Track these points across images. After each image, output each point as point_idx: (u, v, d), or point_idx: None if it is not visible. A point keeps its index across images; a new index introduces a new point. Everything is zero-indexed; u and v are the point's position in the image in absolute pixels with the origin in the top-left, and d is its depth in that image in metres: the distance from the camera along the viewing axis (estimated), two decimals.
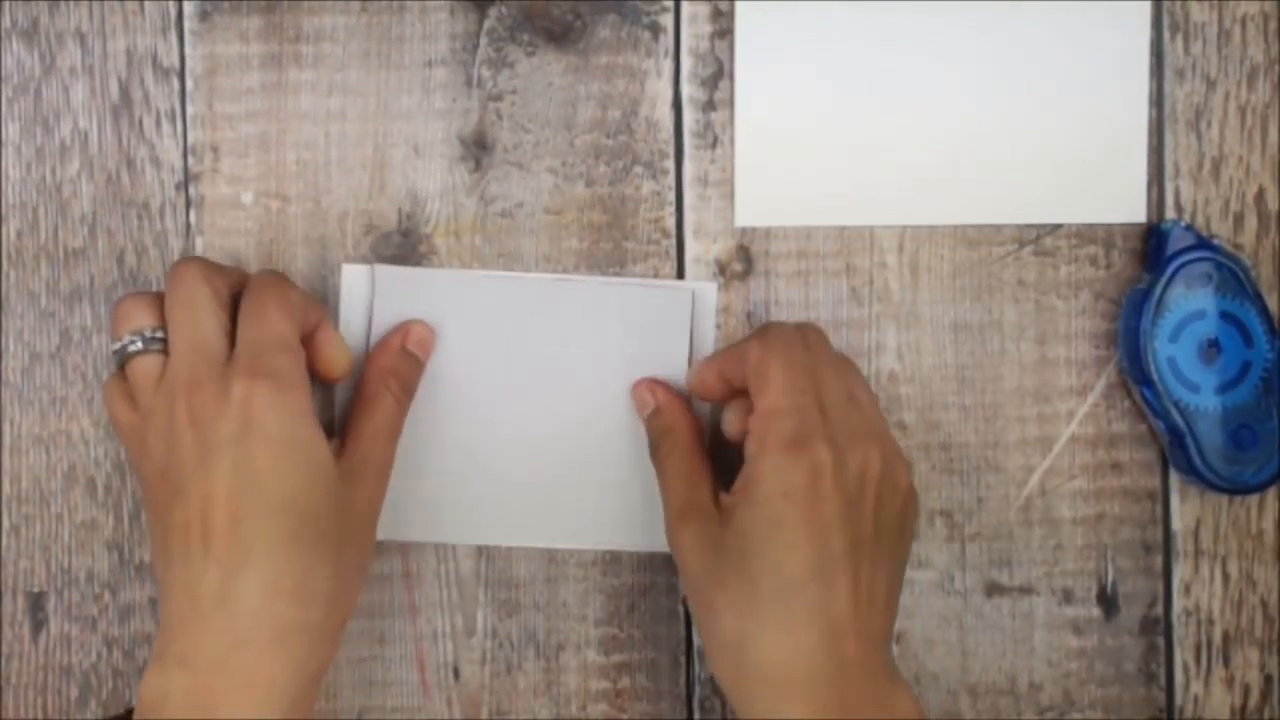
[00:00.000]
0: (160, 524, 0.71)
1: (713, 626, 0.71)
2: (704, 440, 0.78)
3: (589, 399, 0.80)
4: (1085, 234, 0.81)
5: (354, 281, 0.80)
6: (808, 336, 0.74)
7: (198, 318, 0.72)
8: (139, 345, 0.72)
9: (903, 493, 0.72)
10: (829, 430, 0.71)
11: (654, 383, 0.79)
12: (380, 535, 0.78)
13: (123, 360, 0.73)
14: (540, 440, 0.80)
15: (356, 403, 0.77)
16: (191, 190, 0.80)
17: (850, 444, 0.71)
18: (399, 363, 0.78)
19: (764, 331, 0.74)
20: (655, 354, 0.80)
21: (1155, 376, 0.78)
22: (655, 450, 0.78)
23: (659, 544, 0.78)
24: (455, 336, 0.79)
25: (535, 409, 0.80)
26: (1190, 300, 0.78)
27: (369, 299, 0.79)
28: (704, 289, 0.80)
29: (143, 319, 0.73)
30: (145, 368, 0.72)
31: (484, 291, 0.80)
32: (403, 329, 0.78)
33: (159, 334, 0.73)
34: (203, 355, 0.71)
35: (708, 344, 0.80)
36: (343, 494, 0.72)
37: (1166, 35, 0.80)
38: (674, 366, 0.80)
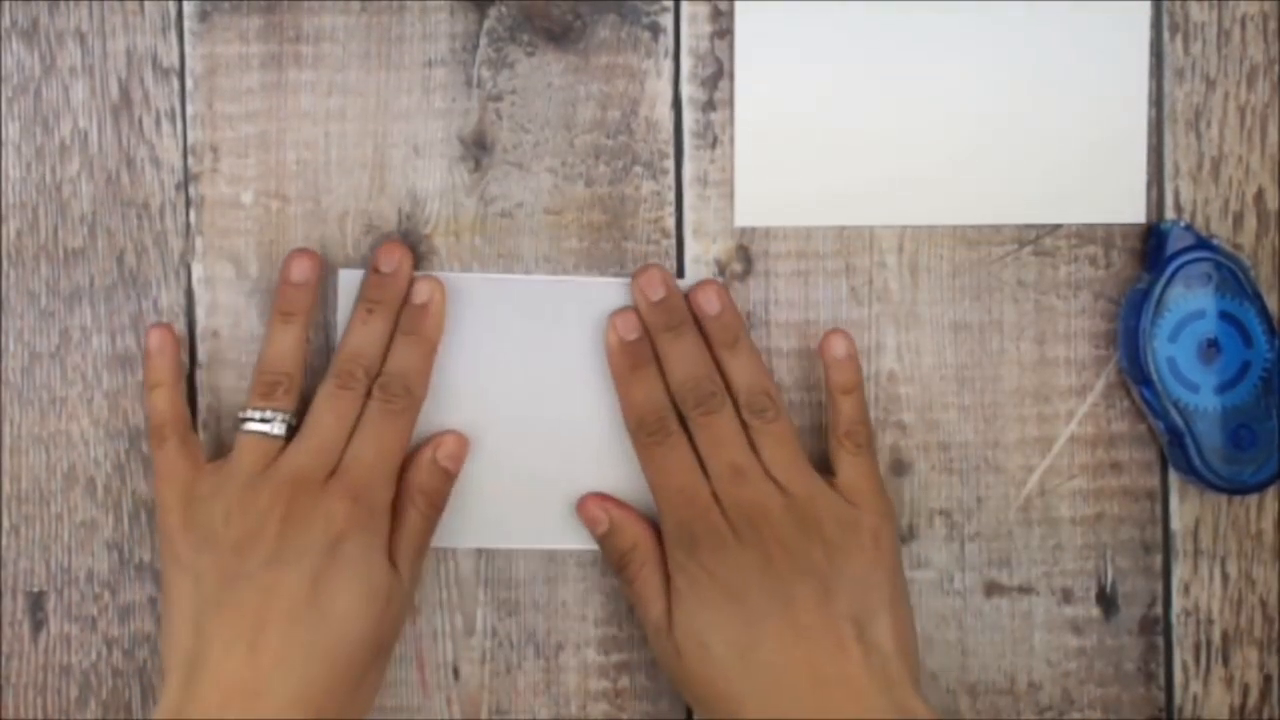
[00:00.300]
0: (200, 594, 0.73)
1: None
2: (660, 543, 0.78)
3: (587, 399, 0.80)
4: (1085, 234, 0.81)
5: (350, 286, 0.79)
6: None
7: (335, 425, 0.75)
8: (275, 430, 0.76)
9: None
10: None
11: (602, 499, 0.79)
12: None
13: (241, 429, 0.76)
14: (540, 441, 0.80)
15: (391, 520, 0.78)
16: (191, 190, 0.80)
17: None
18: (428, 479, 0.78)
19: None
20: None
21: (1155, 376, 0.78)
22: (622, 569, 0.78)
23: None
24: (453, 339, 0.79)
25: (534, 411, 0.80)
26: (1190, 300, 0.78)
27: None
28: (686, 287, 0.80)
29: (285, 400, 0.76)
30: (265, 449, 0.76)
31: (481, 294, 0.80)
32: (435, 441, 0.79)
33: (293, 423, 0.76)
34: (320, 461, 0.75)
35: None
36: (388, 610, 0.75)
37: (1166, 35, 0.80)
38: None
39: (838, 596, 0.73)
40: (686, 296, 0.78)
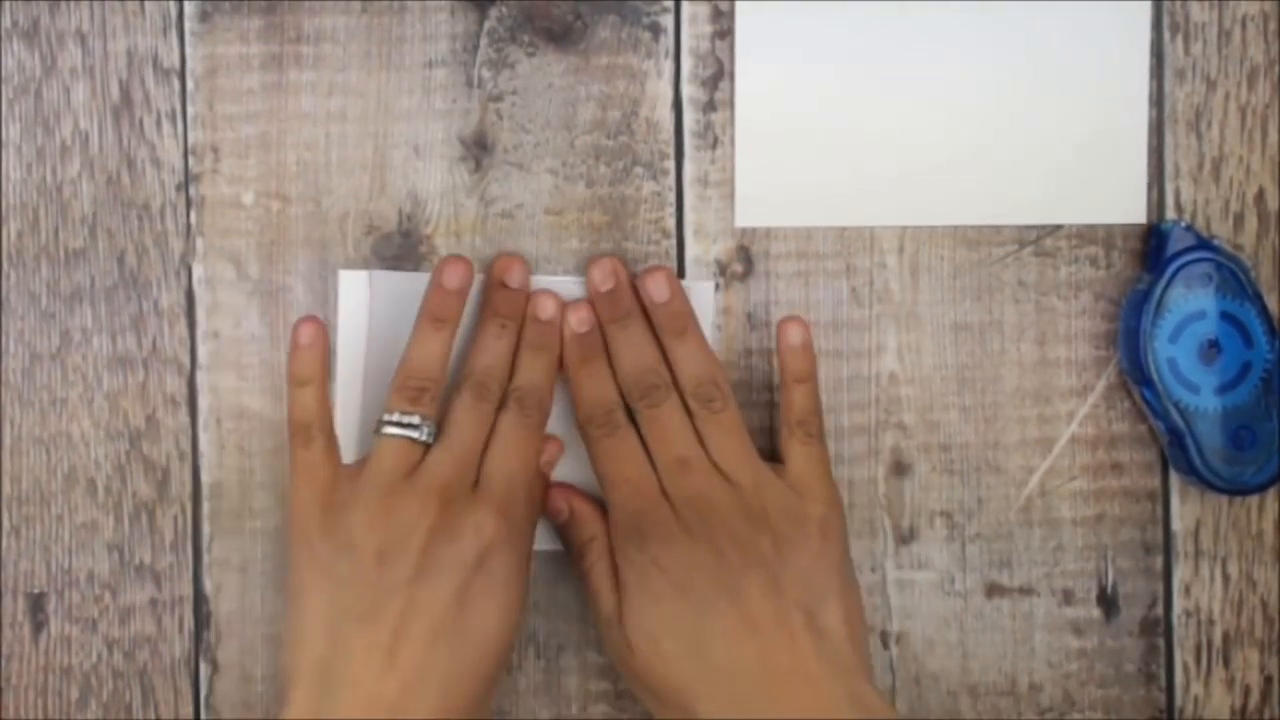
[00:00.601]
0: (337, 602, 0.73)
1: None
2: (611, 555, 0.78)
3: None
4: (1085, 234, 0.81)
5: (351, 287, 0.79)
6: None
7: (475, 436, 0.75)
8: (422, 436, 0.75)
9: None
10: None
11: (566, 489, 0.79)
12: None
13: (382, 431, 0.75)
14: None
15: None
16: (192, 191, 0.80)
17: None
18: (537, 488, 0.79)
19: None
20: None
21: (1155, 377, 0.78)
22: (580, 559, 0.78)
23: None
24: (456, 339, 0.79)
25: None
26: (1190, 301, 0.78)
27: (367, 305, 0.79)
28: (702, 288, 0.80)
29: (430, 406, 0.76)
30: (408, 455, 0.75)
31: (481, 294, 0.79)
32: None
33: (435, 430, 0.76)
34: (465, 472, 0.75)
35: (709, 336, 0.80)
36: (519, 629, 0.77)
37: (1166, 35, 0.80)
38: None
39: (786, 587, 0.73)
40: (634, 285, 0.78)
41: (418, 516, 0.73)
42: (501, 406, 0.76)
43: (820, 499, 0.76)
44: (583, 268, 0.80)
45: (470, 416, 0.75)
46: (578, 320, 0.77)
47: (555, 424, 0.79)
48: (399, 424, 0.75)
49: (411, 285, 0.79)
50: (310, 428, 0.75)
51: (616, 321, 0.77)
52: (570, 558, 0.79)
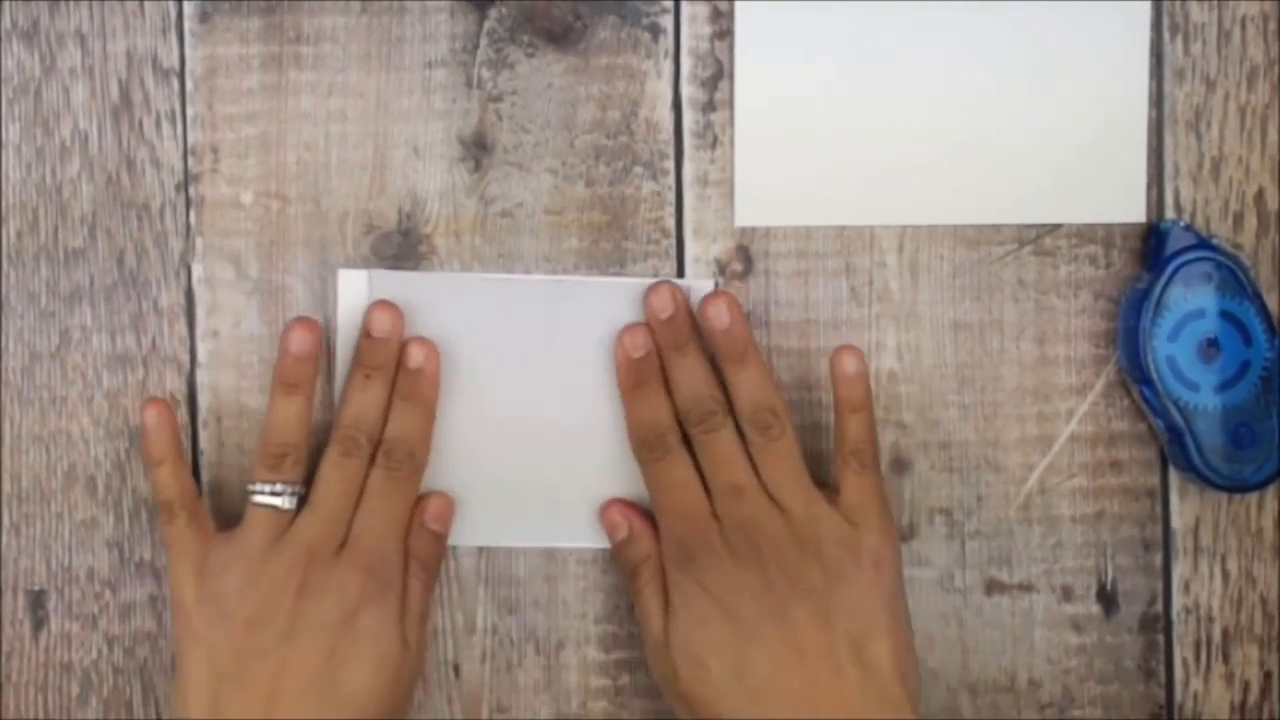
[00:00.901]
0: (215, 669, 0.74)
1: None
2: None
3: (587, 399, 0.80)
4: (1085, 233, 0.80)
5: (350, 286, 0.79)
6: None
7: (343, 494, 0.76)
8: (285, 504, 0.76)
9: None
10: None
11: (626, 506, 0.79)
12: None
13: (250, 501, 0.76)
14: (540, 441, 0.80)
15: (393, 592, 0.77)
16: (191, 191, 0.79)
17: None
18: (420, 545, 0.78)
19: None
20: None
21: (1155, 375, 0.78)
22: (633, 578, 0.78)
23: None
24: (453, 339, 0.79)
25: (534, 411, 0.80)
26: (1190, 299, 0.78)
27: (366, 304, 0.79)
28: (701, 286, 0.80)
29: (292, 471, 0.76)
30: (276, 522, 0.76)
31: (481, 294, 0.79)
32: (419, 506, 0.78)
33: (303, 493, 0.76)
34: (331, 531, 0.76)
35: None
36: (399, 683, 0.76)
37: (1166, 36, 0.80)
38: None
39: (836, 618, 0.73)
40: (698, 309, 0.78)
41: (284, 580, 0.74)
42: (373, 460, 0.77)
43: (874, 530, 0.75)
44: (583, 267, 0.80)
45: (337, 474, 0.76)
46: (633, 345, 0.77)
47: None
48: (264, 493, 0.76)
49: (410, 284, 0.79)
50: (172, 505, 0.76)
51: (676, 349, 0.77)
52: (625, 576, 0.79)
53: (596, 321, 0.79)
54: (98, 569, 0.80)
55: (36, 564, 0.80)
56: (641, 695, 0.81)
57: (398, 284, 0.79)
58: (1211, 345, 0.79)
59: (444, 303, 0.79)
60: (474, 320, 0.79)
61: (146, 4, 0.79)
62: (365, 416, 0.76)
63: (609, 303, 0.79)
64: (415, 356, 0.77)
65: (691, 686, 0.74)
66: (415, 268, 0.79)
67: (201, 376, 0.80)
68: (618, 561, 0.79)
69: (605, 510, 0.79)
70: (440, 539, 0.79)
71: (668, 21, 0.80)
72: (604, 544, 0.80)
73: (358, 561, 0.75)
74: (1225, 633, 0.82)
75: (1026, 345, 0.81)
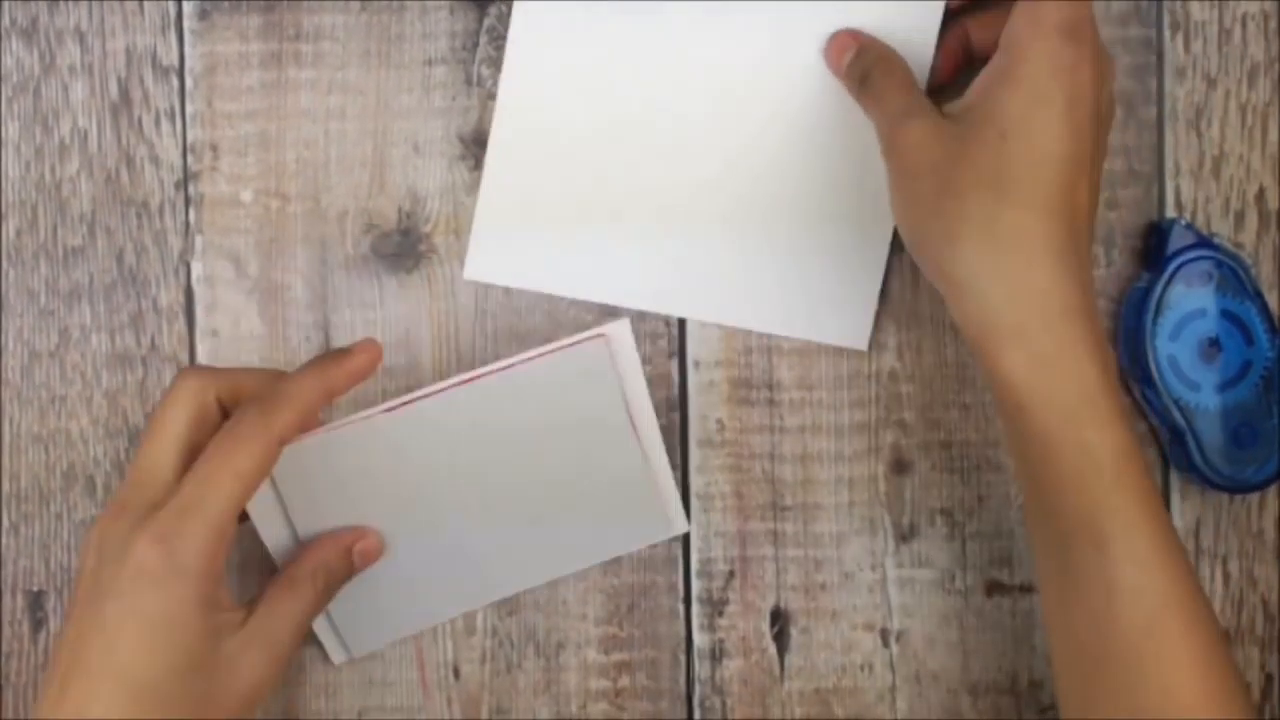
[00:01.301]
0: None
1: (942, 244, 0.70)
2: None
3: (540, 481, 0.77)
4: None
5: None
6: None
7: (158, 445, 0.70)
8: None
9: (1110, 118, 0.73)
10: (1094, 34, 0.70)
11: (848, 32, 0.78)
12: (369, 648, 0.80)
13: None
14: (496, 532, 0.78)
15: (282, 580, 0.73)
16: (191, 189, 0.80)
17: (1105, 55, 0.71)
18: (335, 561, 0.74)
19: None
20: (591, 413, 0.76)
21: (1155, 375, 0.78)
22: (866, 78, 0.76)
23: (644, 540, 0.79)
24: (383, 479, 0.75)
25: (490, 507, 0.77)
26: (1190, 299, 0.78)
27: (269, 481, 0.73)
28: (616, 329, 0.75)
29: None
30: None
31: (393, 430, 0.74)
32: (358, 532, 0.75)
33: None
34: (141, 490, 0.69)
35: (638, 383, 0.76)
36: (216, 678, 0.69)
37: (1167, 34, 0.80)
38: (614, 418, 0.76)
39: None
40: None
41: (93, 532, 0.69)
42: None
43: None
44: None
45: (171, 418, 0.71)
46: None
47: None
48: None
49: (316, 449, 0.73)
50: None
51: None
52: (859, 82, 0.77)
53: (522, 408, 0.75)
54: None
55: (35, 564, 0.80)
56: (641, 697, 0.81)
57: (301, 454, 0.72)
58: (1212, 345, 0.79)
59: (358, 452, 0.74)
60: (396, 455, 0.75)
61: (146, 2, 0.79)
62: None
63: (525, 385, 0.75)
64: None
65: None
66: (415, 266, 0.79)
67: None
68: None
69: (830, 45, 0.78)
70: (354, 570, 0.75)
71: None
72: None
73: (152, 527, 0.67)
74: (1226, 634, 0.81)
75: None
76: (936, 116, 0.71)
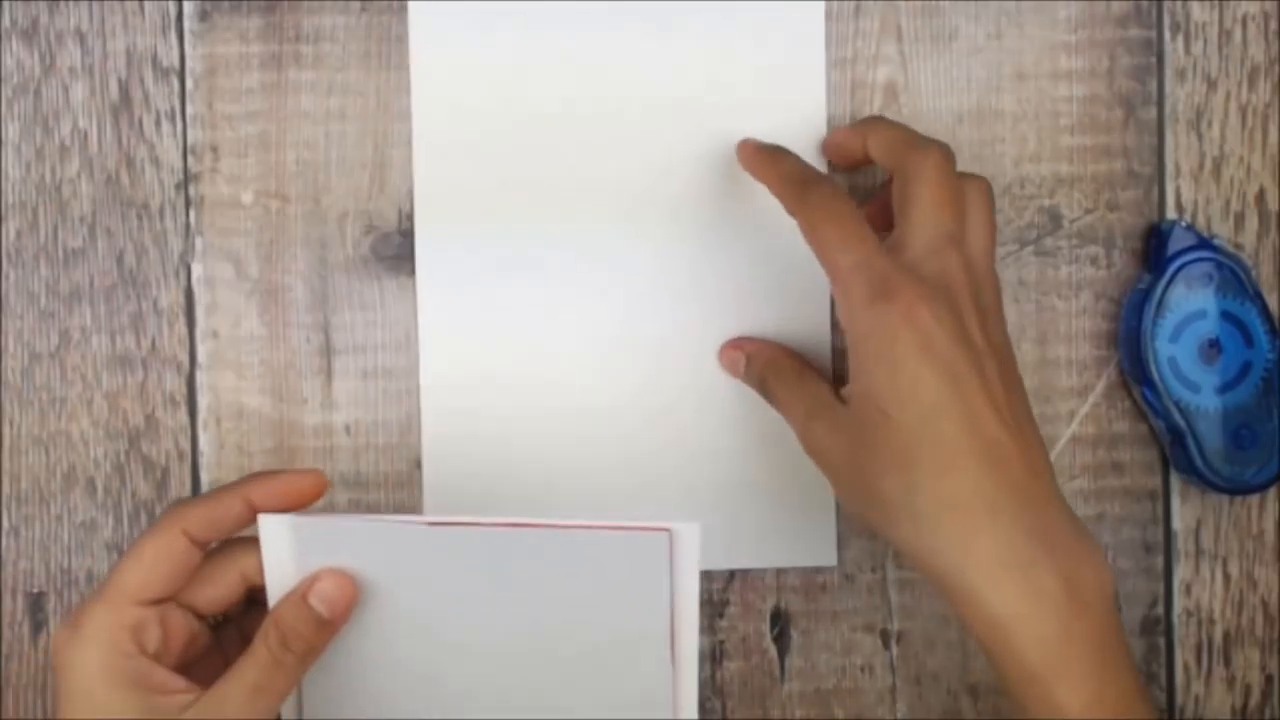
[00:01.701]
0: None
1: (885, 514, 0.69)
2: (804, 361, 0.77)
3: (551, 657, 0.70)
4: (1085, 234, 0.80)
5: (273, 534, 0.68)
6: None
7: (125, 563, 0.67)
8: None
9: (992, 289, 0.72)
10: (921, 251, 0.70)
11: (737, 341, 0.79)
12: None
13: None
14: (489, 678, 0.71)
15: (243, 651, 0.67)
16: (191, 190, 0.79)
17: (964, 207, 0.71)
18: (288, 613, 0.67)
19: (917, 145, 0.72)
20: (631, 608, 0.68)
21: (1156, 376, 0.78)
22: (763, 385, 0.77)
23: None
24: (390, 593, 0.69)
25: (492, 655, 0.70)
26: (1191, 300, 0.78)
27: (294, 553, 0.68)
28: (684, 530, 0.67)
29: None
30: None
31: (422, 545, 0.68)
32: (311, 578, 0.67)
33: None
34: (95, 591, 0.67)
35: (691, 590, 0.68)
36: None
37: (1167, 35, 0.80)
38: (654, 625, 0.69)
39: None
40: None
41: None
42: None
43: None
44: None
45: (148, 547, 0.68)
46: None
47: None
48: None
49: (341, 533, 0.68)
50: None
51: None
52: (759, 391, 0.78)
53: (558, 574, 0.69)
54: (97, 571, 0.80)
55: (36, 566, 0.80)
56: None
57: (325, 532, 0.68)
58: (1213, 346, 0.79)
59: (379, 553, 0.69)
60: (413, 572, 0.69)
61: (146, 3, 0.79)
62: None
63: (570, 553, 0.68)
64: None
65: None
66: (414, 269, 0.79)
67: (201, 377, 0.80)
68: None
69: (722, 356, 0.80)
70: (324, 623, 0.68)
71: None
72: None
73: (68, 618, 0.67)
74: (1226, 636, 0.81)
75: (1027, 346, 0.80)
76: (835, 408, 0.71)
